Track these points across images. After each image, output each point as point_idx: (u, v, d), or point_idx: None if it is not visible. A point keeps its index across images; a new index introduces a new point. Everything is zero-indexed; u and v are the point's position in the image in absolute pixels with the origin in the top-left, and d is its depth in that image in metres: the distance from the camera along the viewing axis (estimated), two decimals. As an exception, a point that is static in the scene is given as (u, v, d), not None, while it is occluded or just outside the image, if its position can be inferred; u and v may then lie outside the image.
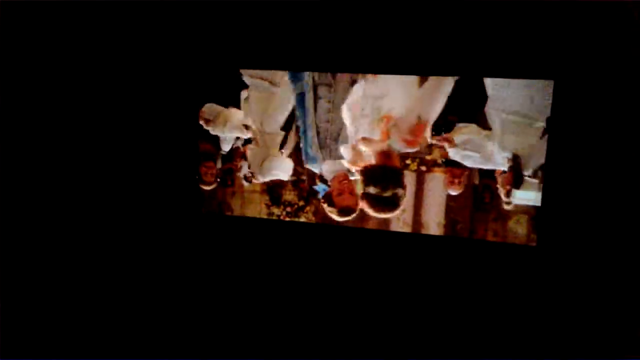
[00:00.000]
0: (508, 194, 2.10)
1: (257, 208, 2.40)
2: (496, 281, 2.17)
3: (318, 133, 2.28)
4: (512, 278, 2.15)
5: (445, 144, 2.13)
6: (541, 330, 2.13)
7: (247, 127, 2.34)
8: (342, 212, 2.29)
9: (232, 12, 2.28)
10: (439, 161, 2.16)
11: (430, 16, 2.10)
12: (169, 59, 2.39)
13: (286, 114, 2.32)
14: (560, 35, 1.97)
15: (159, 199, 2.51)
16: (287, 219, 2.38)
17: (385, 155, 2.21)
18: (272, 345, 2.32)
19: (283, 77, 2.29)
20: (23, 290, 2.45)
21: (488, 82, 2.07)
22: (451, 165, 2.15)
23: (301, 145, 2.31)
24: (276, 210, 2.39)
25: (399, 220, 2.23)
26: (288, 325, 2.35)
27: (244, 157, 2.39)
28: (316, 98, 2.26)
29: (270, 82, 2.30)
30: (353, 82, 2.21)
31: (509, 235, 2.12)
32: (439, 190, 2.18)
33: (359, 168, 2.24)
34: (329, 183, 2.30)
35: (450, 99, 2.11)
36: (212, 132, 2.40)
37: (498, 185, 2.11)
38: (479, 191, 2.14)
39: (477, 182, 2.13)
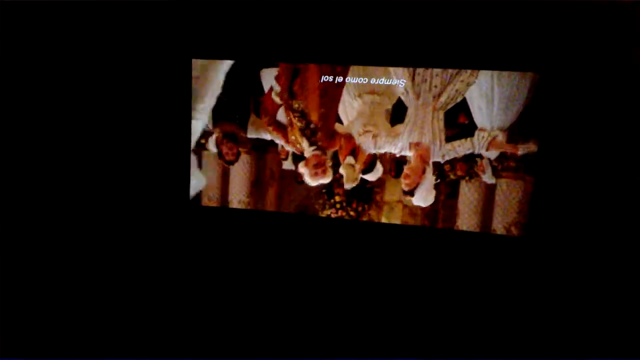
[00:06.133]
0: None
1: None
2: (482, 272, 2.19)
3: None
4: (498, 269, 2.17)
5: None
6: (529, 325, 2.14)
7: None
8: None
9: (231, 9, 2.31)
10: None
11: (418, 10, 2.10)
12: (166, 56, 2.41)
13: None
14: (547, 29, 1.99)
15: (155, 193, 2.51)
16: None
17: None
18: (271, 345, 2.30)
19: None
20: (20, 286, 2.44)
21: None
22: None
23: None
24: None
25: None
26: (287, 323, 2.34)
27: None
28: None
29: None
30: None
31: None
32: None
33: None
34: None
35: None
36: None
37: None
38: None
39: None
